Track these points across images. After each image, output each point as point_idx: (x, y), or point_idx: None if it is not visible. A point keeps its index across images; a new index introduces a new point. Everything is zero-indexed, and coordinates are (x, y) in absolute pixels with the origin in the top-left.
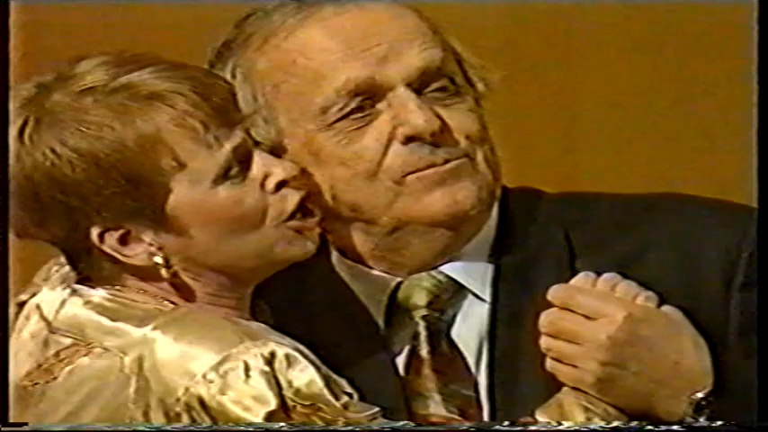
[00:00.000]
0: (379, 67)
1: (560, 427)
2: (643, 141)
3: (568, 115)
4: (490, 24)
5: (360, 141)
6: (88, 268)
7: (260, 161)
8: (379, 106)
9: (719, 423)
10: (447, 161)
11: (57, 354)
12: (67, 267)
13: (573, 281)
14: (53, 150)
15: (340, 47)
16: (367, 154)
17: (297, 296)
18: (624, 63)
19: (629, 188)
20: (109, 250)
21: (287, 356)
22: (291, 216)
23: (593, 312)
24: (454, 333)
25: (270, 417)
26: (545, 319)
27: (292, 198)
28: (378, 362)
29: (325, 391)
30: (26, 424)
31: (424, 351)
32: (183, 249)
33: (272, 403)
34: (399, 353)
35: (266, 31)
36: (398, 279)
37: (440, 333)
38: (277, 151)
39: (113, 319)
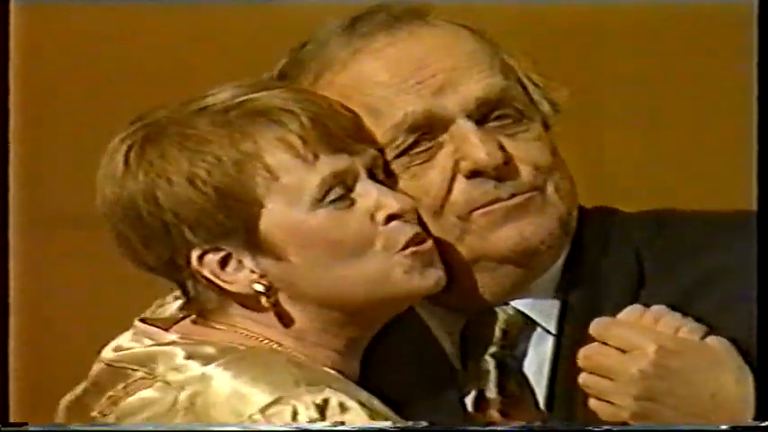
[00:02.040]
0: (436, 100)
1: (561, 428)
2: (641, 142)
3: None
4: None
5: (423, 177)
6: (197, 300)
7: (373, 192)
8: (441, 139)
9: (719, 423)
10: (513, 195)
11: (125, 386)
12: (169, 306)
13: (620, 314)
14: (151, 164)
15: (395, 80)
16: (432, 189)
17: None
18: (623, 63)
19: (626, 189)
20: (209, 275)
21: (341, 404)
22: (405, 247)
23: (626, 345)
24: (526, 368)
25: None
26: (582, 353)
27: (405, 231)
28: (447, 400)
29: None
30: (26, 424)
31: (491, 392)
32: (285, 276)
33: None
34: (470, 391)
35: (319, 64)
36: (468, 316)
37: (509, 371)
38: None
39: (187, 357)
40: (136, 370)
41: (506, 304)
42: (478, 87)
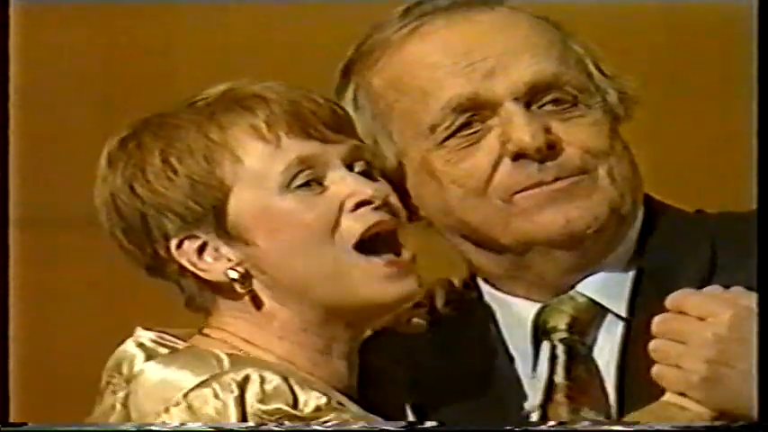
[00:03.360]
0: (485, 82)
1: (560, 428)
2: (641, 142)
3: None
4: None
5: (470, 159)
6: (194, 299)
7: (347, 180)
8: (491, 122)
9: (720, 423)
10: (557, 179)
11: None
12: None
13: (701, 291)
14: (130, 156)
15: (446, 62)
16: (476, 172)
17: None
18: (624, 63)
19: None
20: (187, 264)
21: (262, 378)
22: (372, 245)
23: (702, 313)
24: (597, 354)
25: None
26: (656, 320)
27: (368, 218)
28: (506, 389)
29: (290, 398)
30: (26, 424)
31: (559, 377)
32: (256, 262)
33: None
34: (538, 377)
35: (379, 48)
36: (540, 304)
37: (578, 357)
38: (396, 173)
39: (145, 359)
40: (115, 377)
41: (573, 289)
42: (529, 72)
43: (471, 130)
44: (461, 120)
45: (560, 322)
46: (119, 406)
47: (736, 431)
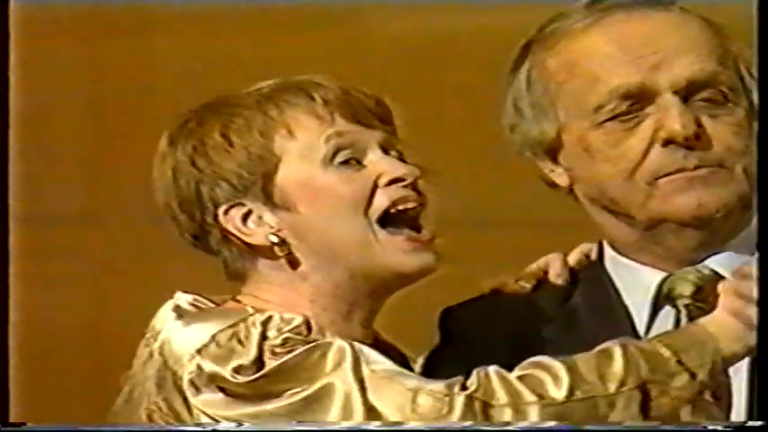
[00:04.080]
0: (651, 74)
1: (561, 428)
2: None
3: None
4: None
5: (626, 142)
6: (234, 267)
7: (384, 160)
8: (648, 110)
9: (720, 423)
10: (698, 167)
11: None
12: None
13: None
14: (191, 132)
15: (619, 52)
16: (630, 154)
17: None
18: None
19: None
20: (233, 229)
21: (282, 318)
22: (396, 221)
23: None
24: None
25: (241, 368)
26: (738, 265)
27: (396, 193)
28: None
29: (304, 329)
30: (25, 424)
31: None
32: (296, 227)
33: (251, 354)
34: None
35: (560, 32)
36: (665, 273)
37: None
38: (554, 145)
39: (176, 317)
40: (150, 332)
41: (702, 264)
42: (692, 69)
43: (630, 116)
44: (624, 106)
45: (686, 290)
46: (156, 355)
47: (736, 431)
